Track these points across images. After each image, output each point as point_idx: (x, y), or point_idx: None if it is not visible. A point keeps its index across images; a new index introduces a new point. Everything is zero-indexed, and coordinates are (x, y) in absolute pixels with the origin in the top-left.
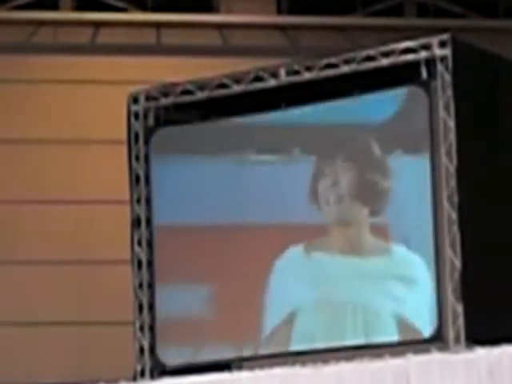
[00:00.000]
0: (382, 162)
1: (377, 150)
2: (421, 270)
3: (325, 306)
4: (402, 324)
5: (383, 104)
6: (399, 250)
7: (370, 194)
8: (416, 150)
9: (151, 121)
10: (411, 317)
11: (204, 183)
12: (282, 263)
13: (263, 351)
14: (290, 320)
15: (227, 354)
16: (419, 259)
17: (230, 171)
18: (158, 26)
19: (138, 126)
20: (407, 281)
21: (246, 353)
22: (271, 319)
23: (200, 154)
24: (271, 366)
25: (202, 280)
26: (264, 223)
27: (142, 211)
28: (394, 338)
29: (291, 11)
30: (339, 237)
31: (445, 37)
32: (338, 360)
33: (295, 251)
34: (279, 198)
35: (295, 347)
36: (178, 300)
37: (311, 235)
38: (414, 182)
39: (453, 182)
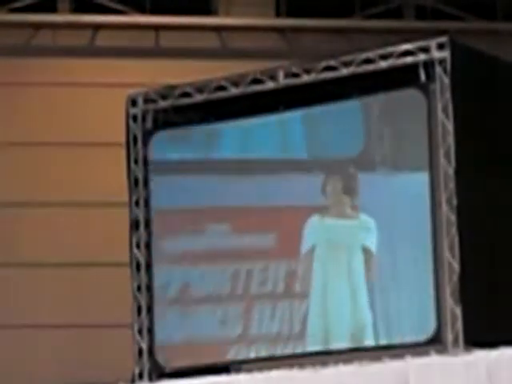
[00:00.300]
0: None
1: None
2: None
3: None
4: None
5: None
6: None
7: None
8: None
9: (150, 123)
10: None
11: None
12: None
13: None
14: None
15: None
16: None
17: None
18: (157, 28)
19: (136, 129)
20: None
21: (246, 355)
22: None
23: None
24: (270, 368)
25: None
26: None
27: (140, 213)
28: None
29: (290, 13)
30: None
31: (443, 39)
32: (336, 362)
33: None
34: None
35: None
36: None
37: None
38: (413, 184)
39: (451, 185)
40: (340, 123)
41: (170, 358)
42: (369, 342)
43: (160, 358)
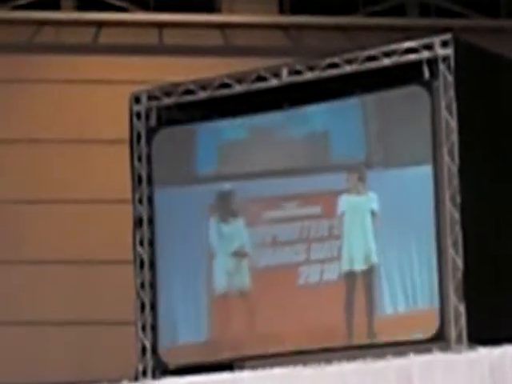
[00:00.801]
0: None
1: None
2: None
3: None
4: None
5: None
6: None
7: None
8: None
9: (153, 121)
10: None
11: None
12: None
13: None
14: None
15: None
16: None
17: None
18: (160, 25)
19: (140, 126)
20: None
21: (248, 352)
22: None
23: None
24: (273, 365)
25: None
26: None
27: (144, 211)
28: None
29: (293, 11)
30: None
31: (447, 37)
32: (340, 360)
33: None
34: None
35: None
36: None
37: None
38: (416, 182)
39: (455, 182)
40: (342, 121)
41: (174, 355)
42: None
43: (163, 355)
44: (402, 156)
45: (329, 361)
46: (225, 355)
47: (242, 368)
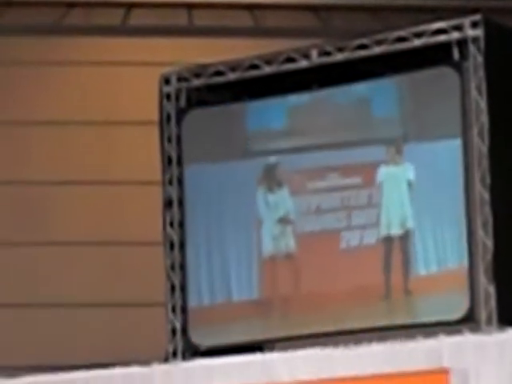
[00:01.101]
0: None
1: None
2: None
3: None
4: None
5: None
6: None
7: None
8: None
9: (183, 102)
10: None
11: None
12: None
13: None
14: None
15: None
16: None
17: None
18: (190, 6)
19: (169, 107)
20: None
21: (280, 333)
22: None
23: None
24: (304, 346)
25: None
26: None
27: (174, 192)
28: None
29: None
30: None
31: (476, 17)
32: (370, 341)
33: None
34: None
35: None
36: None
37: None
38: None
39: (485, 163)
40: (377, 99)
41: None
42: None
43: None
44: (435, 130)
45: (359, 341)
46: (274, 314)
47: (272, 349)
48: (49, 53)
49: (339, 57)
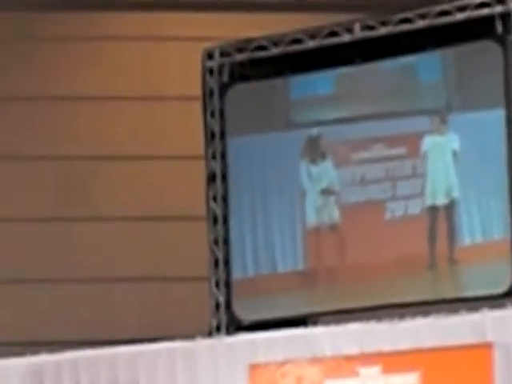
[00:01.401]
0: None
1: None
2: None
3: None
4: None
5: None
6: None
7: None
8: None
9: (226, 77)
10: None
11: None
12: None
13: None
14: None
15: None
16: None
17: None
18: None
19: (212, 82)
20: None
21: (324, 306)
22: None
23: None
24: (347, 321)
25: None
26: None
27: (217, 166)
28: None
29: None
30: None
31: None
32: (414, 314)
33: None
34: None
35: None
36: None
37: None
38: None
39: None
40: (421, 72)
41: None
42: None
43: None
44: (478, 101)
45: (403, 315)
46: (319, 285)
47: (315, 323)
48: (92, 28)
49: (382, 31)
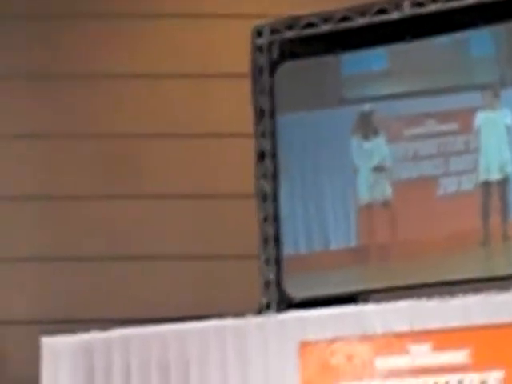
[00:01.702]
0: None
1: None
2: None
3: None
4: None
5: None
6: None
7: None
8: None
9: (275, 54)
10: None
11: None
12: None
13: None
14: None
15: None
16: None
17: None
18: None
19: (262, 60)
20: None
21: (376, 283)
22: None
23: None
24: (399, 298)
25: None
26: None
27: (267, 144)
28: None
29: None
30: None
31: None
32: (464, 292)
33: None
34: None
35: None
36: None
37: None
38: None
39: None
40: (473, 48)
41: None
42: (509, 170)
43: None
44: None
45: (454, 292)
46: (371, 262)
47: (366, 301)
48: (144, 6)
49: (432, 7)
